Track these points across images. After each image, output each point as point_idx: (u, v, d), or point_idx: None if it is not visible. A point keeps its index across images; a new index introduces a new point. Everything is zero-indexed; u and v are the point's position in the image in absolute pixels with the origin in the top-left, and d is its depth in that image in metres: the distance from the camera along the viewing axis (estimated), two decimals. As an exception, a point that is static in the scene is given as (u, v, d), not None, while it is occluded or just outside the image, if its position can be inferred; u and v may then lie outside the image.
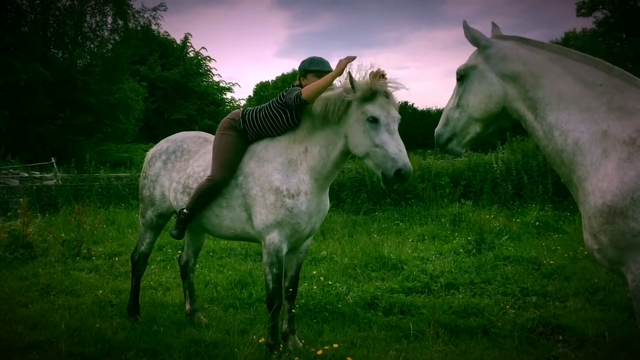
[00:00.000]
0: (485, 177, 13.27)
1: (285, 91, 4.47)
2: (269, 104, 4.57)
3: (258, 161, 4.52)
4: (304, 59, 4.62)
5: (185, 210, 4.69)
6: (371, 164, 4.11)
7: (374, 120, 4.01)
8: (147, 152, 5.56)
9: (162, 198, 5.13)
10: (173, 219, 5.15)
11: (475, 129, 3.40)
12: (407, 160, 3.94)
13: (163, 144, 5.33)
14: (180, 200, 4.88)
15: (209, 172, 4.69)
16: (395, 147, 3.96)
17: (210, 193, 4.58)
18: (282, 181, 4.35)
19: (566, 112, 3.02)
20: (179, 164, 5.02)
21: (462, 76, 3.40)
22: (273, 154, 4.48)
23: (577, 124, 2.97)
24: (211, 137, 5.28)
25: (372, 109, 4.02)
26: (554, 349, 4.50)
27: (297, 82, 4.62)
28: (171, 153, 5.14)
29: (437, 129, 3.55)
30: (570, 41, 52.54)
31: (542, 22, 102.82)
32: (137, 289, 5.48)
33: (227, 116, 4.86)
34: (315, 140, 4.36)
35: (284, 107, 4.43)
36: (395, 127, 4.05)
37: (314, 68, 4.47)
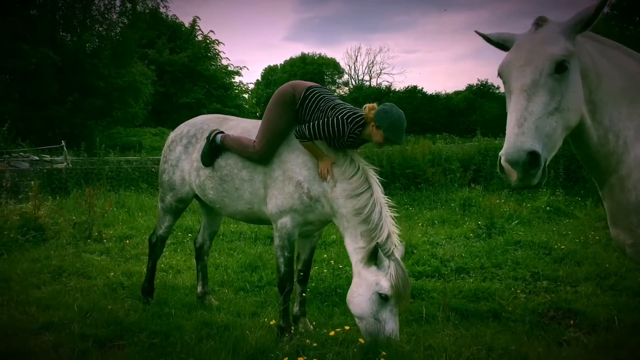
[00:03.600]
0: (496, 161, 13.13)
1: (346, 120, 4.13)
2: (329, 109, 4.27)
3: (289, 145, 4.44)
4: (388, 109, 4.10)
5: (218, 140, 4.68)
6: (359, 324, 4.04)
7: (384, 297, 3.93)
8: (169, 136, 5.57)
9: (182, 182, 5.11)
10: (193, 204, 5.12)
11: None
12: (397, 337, 3.96)
13: (183, 127, 5.29)
14: (202, 175, 4.87)
15: None
16: (393, 327, 3.94)
17: (250, 159, 4.55)
18: (306, 179, 4.31)
19: (617, 110, 2.73)
20: (200, 144, 4.98)
21: (564, 66, 2.51)
22: None
23: (625, 121, 2.72)
24: (230, 117, 5.28)
25: (386, 287, 3.92)
26: (565, 334, 4.49)
27: (366, 115, 4.15)
28: (192, 136, 5.11)
29: (526, 147, 2.40)
30: (582, 24, 51.92)
31: (554, 5, 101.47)
32: (152, 271, 5.49)
33: (290, 85, 4.55)
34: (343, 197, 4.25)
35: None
36: (399, 307, 4.04)
37: (388, 136, 4.05)
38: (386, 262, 3.98)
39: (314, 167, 4.32)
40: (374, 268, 3.98)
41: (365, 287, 3.97)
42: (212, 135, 4.74)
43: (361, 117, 4.16)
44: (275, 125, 4.44)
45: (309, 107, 4.37)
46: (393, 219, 4.22)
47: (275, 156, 4.45)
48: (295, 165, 4.36)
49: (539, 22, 2.65)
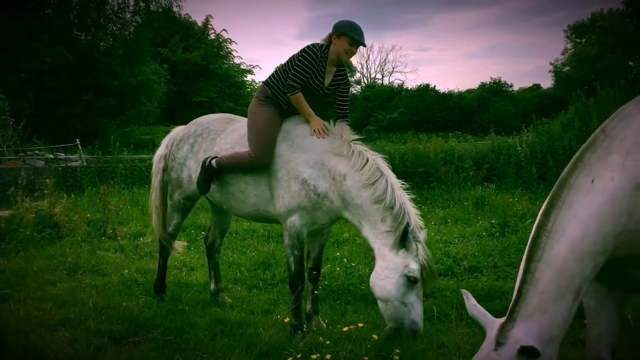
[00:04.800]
0: (509, 160, 13.12)
1: (312, 47, 4.46)
2: (287, 62, 4.59)
3: (291, 146, 4.46)
4: (342, 20, 4.46)
5: (214, 164, 4.66)
6: (384, 309, 3.99)
7: (413, 280, 3.90)
8: (172, 130, 5.60)
9: (189, 181, 5.14)
10: (200, 201, 5.16)
11: None
12: (422, 323, 3.95)
13: (191, 126, 5.33)
14: None
15: (237, 149, 4.70)
16: (419, 312, 3.92)
17: (249, 169, 4.55)
18: (311, 177, 4.32)
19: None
20: (205, 144, 5.03)
21: None
22: (310, 145, 4.41)
23: None
24: (237, 117, 5.30)
25: (416, 270, 3.89)
26: (580, 333, 4.45)
27: (326, 39, 4.51)
28: (198, 136, 5.15)
29: None
30: (597, 22, 51.57)
31: (568, 3, 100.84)
32: (164, 268, 5.54)
33: (254, 96, 4.82)
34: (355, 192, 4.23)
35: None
36: (422, 293, 4.00)
37: (352, 35, 4.35)
38: (414, 244, 3.95)
39: (317, 165, 4.33)
40: (402, 250, 3.95)
41: (393, 269, 3.93)
42: (207, 162, 4.71)
43: (322, 43, 4.51)
44: (262, 124, 4.52)
45: (278, 78, 4.60)
46: (411, 201, 4.22)
47: (277, 157, 4.46)
48: (298, 165, 4.37)
49: (500, 341, 2.62)
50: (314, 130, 4.40)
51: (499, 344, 2.62)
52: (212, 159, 4.71)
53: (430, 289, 4.22)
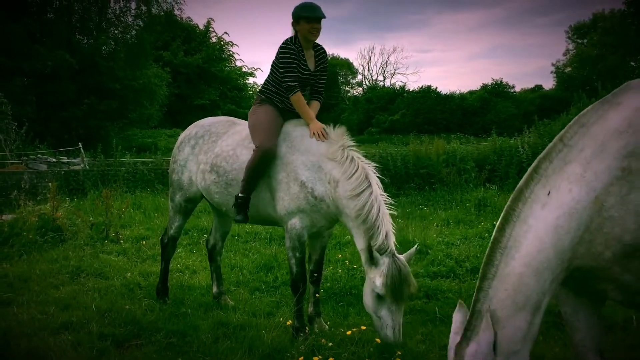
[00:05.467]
0: (511, 161, 13.10)
1: (280, 51, 4.61)
2: (272, 67, 4.78)
3: (290, 147, 4.49)
4: (296, 5, 4.63)
5: (240, 195, 4.59)
6: (373, 321, 4.10)
7: (378, 296, 3.93)
8: (179, 137, 5.64)
9: (190, 183, 5.17)
10: (202, 205, 5.18)
11: None
12: (400, 338, 3.89)
13: (192, 128, 5.36)
14: (208, 180, 4.91)
15: (238, 151, 4.72)
16: (392, 327, 3.89)
17: (262, 163, 4.46)
18: (309, 179, 4.35)
19: None
20: (206, 146, 5.05)
21: None
22: (307, 147, 4.44)
23: None
24: (239, 120, 5.32)
25: (379, 286, 3.90)
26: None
27: (292, 29, 4.69)
28: (199, 138, 5.17)
29: None
30: (598, 22, 51.58)
31: (569, 3, 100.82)
32: (166, 271, 5.56)
33: (252, 105, 4.95)
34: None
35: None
36: (400, 306, 3.96)
37: (304, 14, 4.53)
38: (381, 260, 3.94)
39: (314, 167, 4.36)
40: (374, 267, 3.98)
41: (368, 285, 4.02)
42: (236, 198, 4.63)
43: (292, 36, 4.68)
44: (262, 117, 4.64)
45: (269, 83, 4.77)
46: (390, 217, 4.19)
47: (278, 159, 4.48)
48: (297, 167, 4.40)
49: (457, 350, 2.67)
50: (313, 133, 4.45)
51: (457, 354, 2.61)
52: (237, 196, 4.62)
53: (406, 301, 4.12)
